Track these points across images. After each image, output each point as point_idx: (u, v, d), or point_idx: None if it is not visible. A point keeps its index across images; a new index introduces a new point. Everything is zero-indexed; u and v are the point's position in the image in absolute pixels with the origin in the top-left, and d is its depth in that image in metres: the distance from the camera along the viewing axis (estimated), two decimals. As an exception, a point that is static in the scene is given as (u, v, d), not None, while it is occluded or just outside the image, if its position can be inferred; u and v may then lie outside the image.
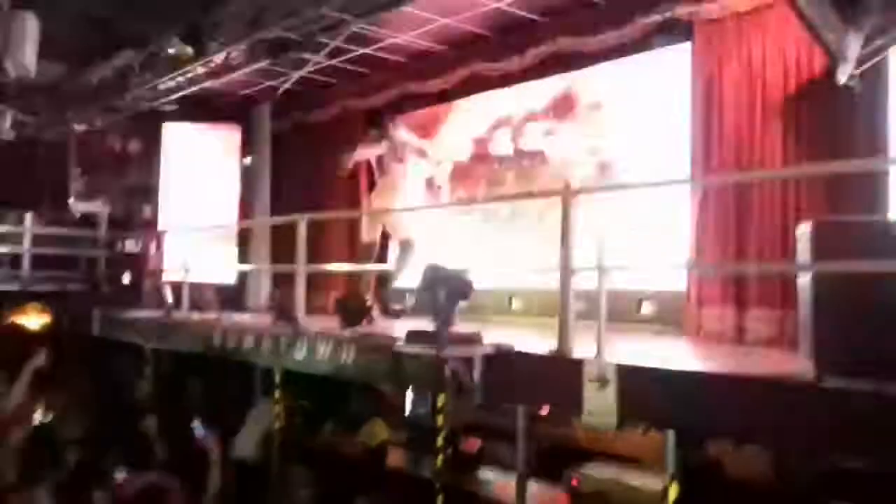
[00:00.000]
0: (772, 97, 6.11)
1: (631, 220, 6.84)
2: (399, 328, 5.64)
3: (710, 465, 4.81)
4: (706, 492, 4.43)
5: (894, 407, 2.98)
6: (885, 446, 3.01)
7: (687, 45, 6.85)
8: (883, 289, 3.29)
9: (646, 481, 5.65)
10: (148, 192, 12.12)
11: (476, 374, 4.74)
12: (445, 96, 9.31)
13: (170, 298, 8.65)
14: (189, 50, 8.57)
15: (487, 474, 6.83)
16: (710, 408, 3.59)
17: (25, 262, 10.57)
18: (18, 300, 10.37)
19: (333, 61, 9.39)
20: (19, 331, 10.25)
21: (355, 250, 8.70)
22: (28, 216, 10.77)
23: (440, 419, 6.28)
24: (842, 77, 5.13)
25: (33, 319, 10.37)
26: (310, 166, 10.88)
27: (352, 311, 6.45)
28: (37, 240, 10.80)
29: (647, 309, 6.77)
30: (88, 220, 11.73)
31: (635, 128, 7.34)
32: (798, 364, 3.85)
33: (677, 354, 5.25)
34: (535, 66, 8.12)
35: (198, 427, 6.06)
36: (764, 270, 6.25)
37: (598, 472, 6.15)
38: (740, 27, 6.34)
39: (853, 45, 4.77)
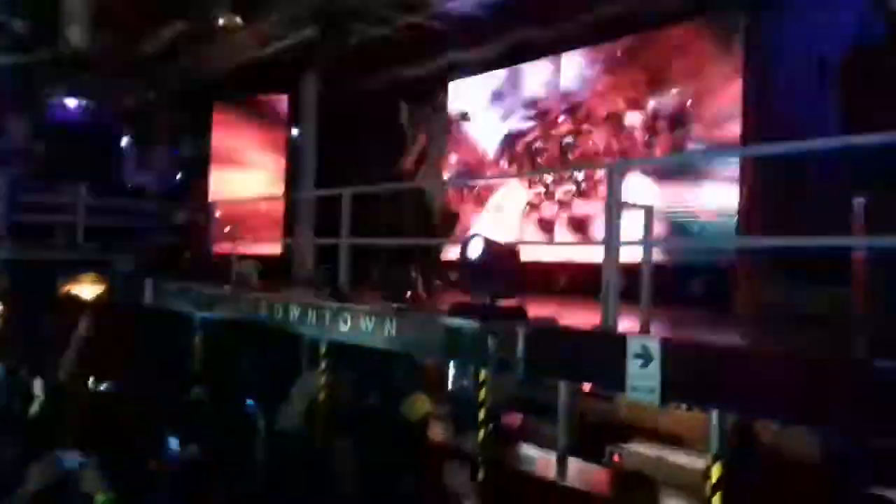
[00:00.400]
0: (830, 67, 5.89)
1: (678, 194, 6.72)
2: (444, 301, 5.64)
3: (755, 444, 4.73)
4: (750, 471, 4.36)
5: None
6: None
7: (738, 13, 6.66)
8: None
9: (689, 460, 5.59)
10: (198, 163, 12.31)
11: (519, 349, 4.71)
12: (493, 63, 9.22)
13: (219, 269, 8.79)
14: (238, 20, 8.64)
15: (529, 450, 6.82)
16: (757, 386, 3.51)
17: (79, 233, 10.81)
18: (73, 270, 10.64)
19: (381, 30, 9.34)
20: (74, 300, 10.54)
21: (401, 223, 8.70)
22: (82, 188, 11.00)
23: (482, 393, 6.30)
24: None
25: (87, 289, 10.65)
26: (357, 136, 10.90)
27: (396, 284, 6.47)
28: (90, 211, 11.04)
29: (694, 285, 6.66)
30: (140, 192, 11.96)
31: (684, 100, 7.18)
32: (850, 342, 3.73)
33: (723, 331, 5.15)
34: (584, 32, 7.98)
35: (244, 397, 6.17)
36: (815, 245, 6.06)
37: (641, 450, 6.10)
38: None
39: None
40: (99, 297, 10.59)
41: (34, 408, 5.53)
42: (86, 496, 3.02)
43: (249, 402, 6.34)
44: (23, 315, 9.88)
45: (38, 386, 5.72)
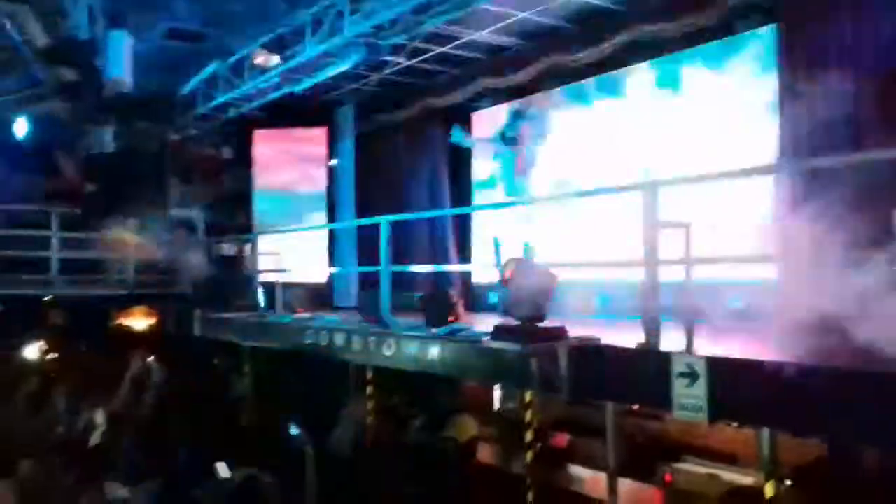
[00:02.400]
0: (865, 80, 5.83)
1: (715, 211, 6.65)
2: (486, 324, 5.68)
3: (809, 462, 4.66)
4: (806, 490, 4.30)
5: None
6: None
7: (771, 27, 6.63)
8: None
9: (741, 478, 5.52)
10: (240, 196, 12.59)
11: (562, 369, 4.71)
12: (524, 90, 9.31)
13: (264, 299, 8.96)
14: (275, 58, 8.88)
15: (578, 470, 6.79)
16: (808, 403, 3.46)
17: (130, 269, 11.13)
18: (125, 304, 10.94)
19: (413, 61, 9.53)
20: (126, 332, 10.83)
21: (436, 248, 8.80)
22: (131, 224, 11.30)
23: (528, 414, 6.31)
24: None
25: (139, 321, 10.94)
26: (393, 166, 11.06)
27: (438, 309, 6.53)
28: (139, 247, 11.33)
29: (735, 302, 6.58)
30: (186, 226, 12.23)
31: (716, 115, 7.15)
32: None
33: (770, 347, 5.08)
34: (614, 55, 8.03)
35: (292, 427, 6.25)
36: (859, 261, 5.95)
37: (692, 469, 6.04)
38: (829, 6, 6.08)
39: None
40: (150, 329, 10.87)
41: (95, 437, 5.69)
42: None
43: (295, 429, 6.44)
44: (80, 348, 10.18)
45: (100, 416, 5.89)
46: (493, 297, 7.35)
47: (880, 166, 5.55)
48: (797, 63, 6.30)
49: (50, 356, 10.36)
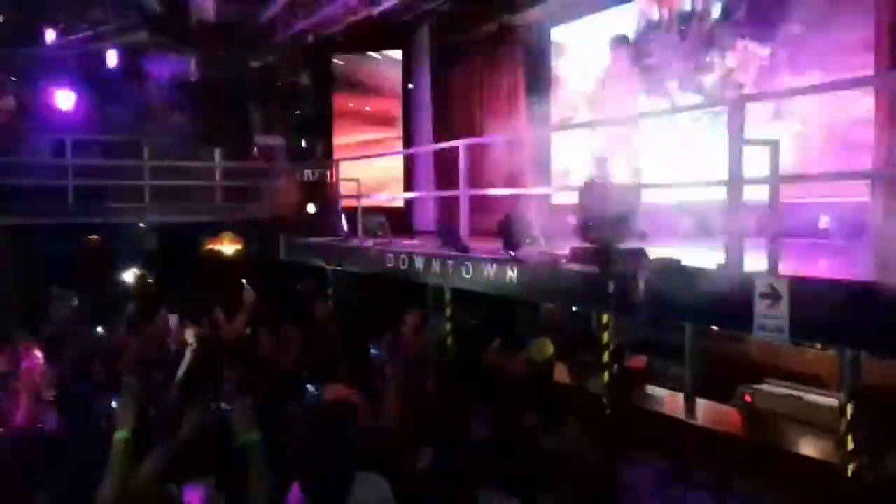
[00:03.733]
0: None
1: (802, 128, 6.38)
2: (564, 247, 5.69)
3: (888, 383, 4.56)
4: (886, 411, 4.23)
5: None
6: None
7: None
8: None
9: (822, 399, 5.44)
10: (321, 122, 12.73)
11: (641, 291, 4.70)
12: (607, 3, 8.99)
13: (346, 224, 9.15)
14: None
15: (656, 391, 6.81)
16: (890, 323, 3.38)
17: (217, 195, 11.51)
18: (213, 230, 11.37)
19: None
20: (217, 256, 11.30)
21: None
22: (217, 152, 11.64)
23: (605, 336, 6.35)
24: None
25: (227, 246, 11.38)
26: (470, 88, 10.95)
27: (516, 232, 6.55)
28: (226, 173, 11.69)
29: (825, 222, 6.37)
30: (269, 153, 12.50)
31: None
32: None
33: (856, 268, 4.94)
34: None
35: (373, 349, 6.45)
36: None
37: (773, 390, 5.98)
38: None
39: None
40: (238, 254, 11.30)
41: (188, 357, 6.00)
42: (238, 437, 3.33)
43: (375, 350, 6.64)
44: (171, 272, 10.67)
45: (190, 335, 6.20)
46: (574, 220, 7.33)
47: None
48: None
49: (147, 280, 10.94)
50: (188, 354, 6.00)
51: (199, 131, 11.50)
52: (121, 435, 3.22)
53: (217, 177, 11.60)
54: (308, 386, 6.21)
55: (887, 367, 4.52)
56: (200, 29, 9.75)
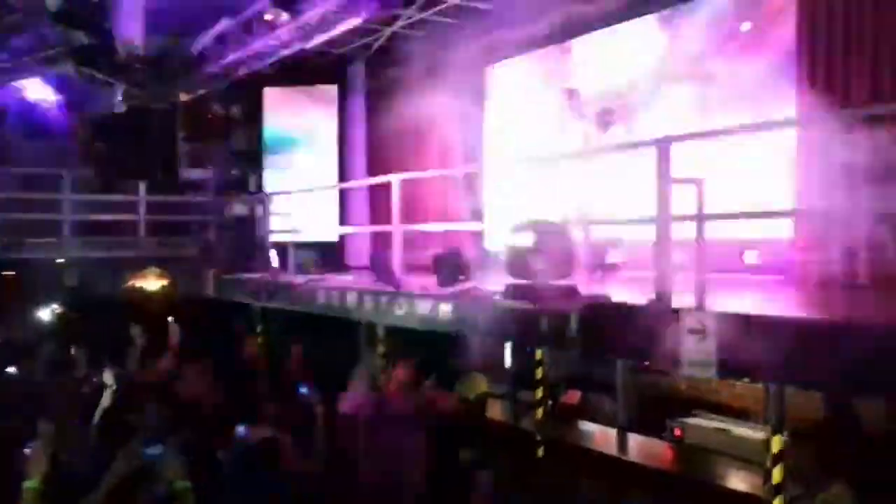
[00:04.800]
0: (882, 32, 5.72)
1: (730, 166, 6.58)
2: (497, 283, 5.69)
3: (816, 416, 4.68)
4: (811, 443, 4.32)
5: None
6: None
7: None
8: None
9: (750, 432, 5.55)
10: (251, 156, 12.56)
11: (573, 328, 4.73)
12: (537, 42, 9.15)
13: (276, 260, 8.99)
14: (284, 14, 8.76)
15: (588, 426, 6.85)
16: (816, 357, 3.46)
17: (141, 229, 11.20)
18: (137, 265, 11.02)
19: (425, 14, 9.39)
20: (141, 293, 10.93)
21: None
22: (141, 185, 11.34)
23: (539, 372, 6.36)
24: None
25: (152, 283, 11.03)
26: (405, 123, 10.97)
27: (450, 268, 6.54)
28: (150, 207, 11.39)
29: (749, 257, 6.56)
30: (197, 187, 12.25)
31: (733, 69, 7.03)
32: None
33: (781, 303, 5.09)
34: (633, 6, 7.88)
35: (302, 386, 6.32)
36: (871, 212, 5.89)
37: (702, 423, 6.07)
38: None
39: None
40: (163, 290, 10.95)
41: (106, 398, 5.75)
42: (166, 484, 3.17)
43: (304, 388, 6.52)
44: (92, 309, 10.27)
45: (109, 376, 5.95)
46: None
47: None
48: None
49: (65, 318, 10.49)
50: (106, 395, 5.76)
51: (124, 164, 11.18)
52: (30, 485, 3.03)
53: (142, 211, 11.30)
54: (238, 428, 6.03)
55: (814, 401, 4.65)
56: (128, 60, 9.51)
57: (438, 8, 9.26)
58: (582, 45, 8.81)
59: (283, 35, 9.23)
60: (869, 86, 5.79)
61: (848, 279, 5.76)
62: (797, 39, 6.36)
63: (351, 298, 7.13)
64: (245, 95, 12.37)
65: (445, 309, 5.87)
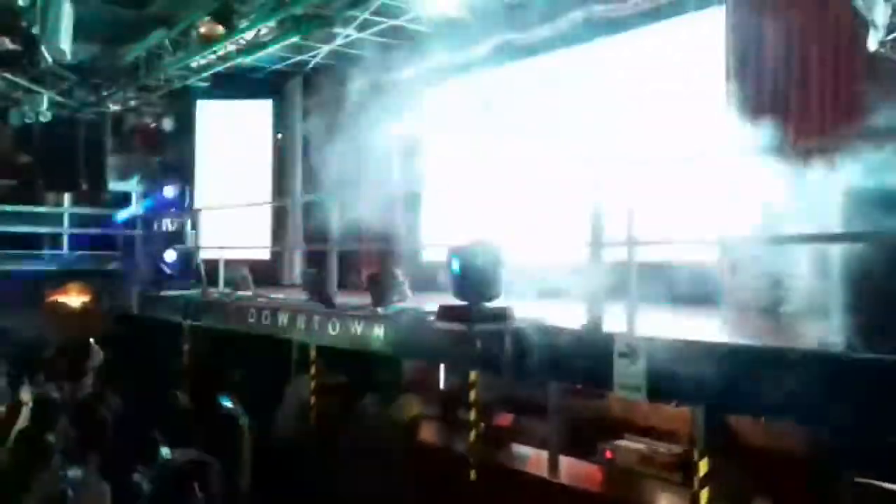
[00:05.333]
0: (808, 62, 5.95)
1: (661, 192, 6.72)
2: (433, 304, 5.66)
3: (740, 438, 4.78)
4: (737, 465, 4.41)
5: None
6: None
7: (721, 9, 6.70)
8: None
9: (678, 454, 5.63)
10: (183, 170, 12.29)
11: (506, 350, 4.74)
12: (477, 66, 9.23)
13: (206, 276, 8.77)
14: (220, 28, 8.63)
15: (521, 449, 6.84)
16: (742, 381, 3.54)
17: (65, 242, 10.80)
18: (59, 280, 10.61)
19: (364, 34, 9.39)
20: (62, 309, 10.51)
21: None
22: (67, 197, 10.97)
23: (472, 394, 6.33)
24: (872, 44, 4.97)
25: (74, 298, 10.62)
26: (343, 141, 10.89)
27: (384, 289, 6.48)
28: (75, 220, 11.02)
29: (678, 282, 6.68)
30: (125, 200, 11.92)
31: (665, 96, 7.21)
32: (830, 336, 3.76)
33: (709, 327, 5.19)
34: (568, 33, 8.01)
35: (224, 399, 6.19)
36: (794, 241, 6.09)
37: (632, 445, 6.13)
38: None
39: (882, 12, 4.62)
40: (85, 306, 10.57)
41: (23, 418, 5.51)
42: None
43: (228, 403, 6.38)
44: (10, 324, 9.85)
45: (26, 395, 5.71)
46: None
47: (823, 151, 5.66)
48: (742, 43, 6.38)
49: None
50: (23, 415, 5.53)
51: (49, 175, 10.81)
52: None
53: (65, 223, 10.92)
54: (162, 449, 5.86)
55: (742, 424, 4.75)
56: (54, 68, 9.21)
57: (377, 28, 9.23)
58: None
59: (218, 49, 9.09)
60: (796, 118, 6.00)
61: (773, 305, 5.93)
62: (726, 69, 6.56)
63: (283, 317, 7.00)
64: (178, 108, 12.11)
65: (379, 330, 5.81)
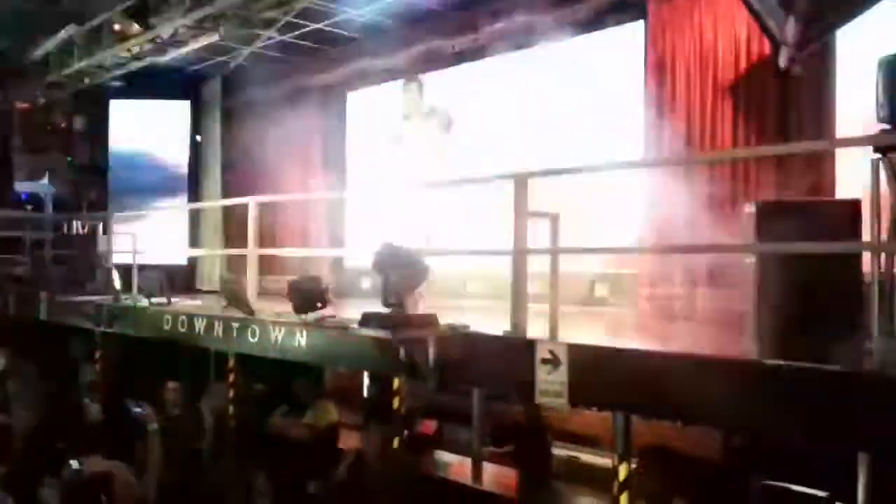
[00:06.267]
0: (723, 78, 6.17)
1: (583, 202, 6.84)
2: (356, 311, 5.59)
3: (660, 444, 4.88)
4: (656, 470, 4.50)
5: (833, 385, 3.03)
6: (823, 424, 3.07)
7: (640, 24, 6.87)
8: (824, 268, 3.33)
9: (598, 460, 5.72)
10: (95, 170, 11.84)
11: (430, 356, 4.71)
12: (399, 73, 9.22)
13: (119, 282, 8.44)
14: (135, 25, 8.36)
15: (444, 456, 6.83)
16: (660, 388, 3.61)
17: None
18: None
19: (286, 37, 9.25)
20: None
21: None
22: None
23: (396, 401, 6.28)
24: (783, 61, 5.19)
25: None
26: (263, 145, 10.70)
27: (306, 295, 6.36)
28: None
29: (600, 290, 6.82)
30: (33, 201, 11.40)
31: (588, 108, 7.35)
32: (744, 343, 3.89)
33: (628, 335, 5.31)
34: (490, 43, 8.08)
35: (134, 406, 6.01)
36: (710, 251, 6.30)
37: (554, 451, 6.20)
38: (692, 7, 6.37)
39: (792, 30, 4.84)
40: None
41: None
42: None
43: (137, 407, 6.18)
44: None
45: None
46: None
47: (735, 163, 5.89)
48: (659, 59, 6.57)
49: None
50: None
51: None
52: None
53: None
54: (70, 461, 5.64)
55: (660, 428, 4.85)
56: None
57: (299, 32, 9.11)
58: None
59: (133, 47, 8.81)
60: (710, 129, 6.21)
61: (688, 312, 6.11)
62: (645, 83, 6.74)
63: (199, 324, 6.79)
64: (90, 107, 11.67)
65: (301, 338, 5.70)
